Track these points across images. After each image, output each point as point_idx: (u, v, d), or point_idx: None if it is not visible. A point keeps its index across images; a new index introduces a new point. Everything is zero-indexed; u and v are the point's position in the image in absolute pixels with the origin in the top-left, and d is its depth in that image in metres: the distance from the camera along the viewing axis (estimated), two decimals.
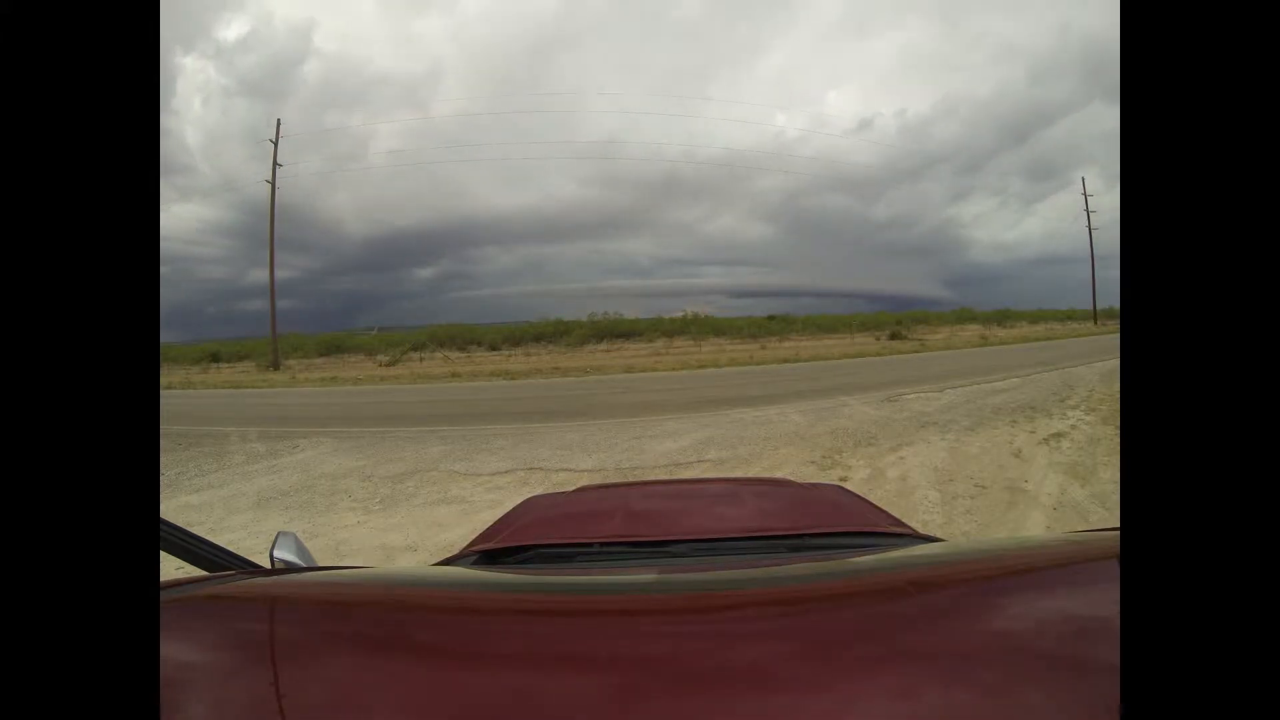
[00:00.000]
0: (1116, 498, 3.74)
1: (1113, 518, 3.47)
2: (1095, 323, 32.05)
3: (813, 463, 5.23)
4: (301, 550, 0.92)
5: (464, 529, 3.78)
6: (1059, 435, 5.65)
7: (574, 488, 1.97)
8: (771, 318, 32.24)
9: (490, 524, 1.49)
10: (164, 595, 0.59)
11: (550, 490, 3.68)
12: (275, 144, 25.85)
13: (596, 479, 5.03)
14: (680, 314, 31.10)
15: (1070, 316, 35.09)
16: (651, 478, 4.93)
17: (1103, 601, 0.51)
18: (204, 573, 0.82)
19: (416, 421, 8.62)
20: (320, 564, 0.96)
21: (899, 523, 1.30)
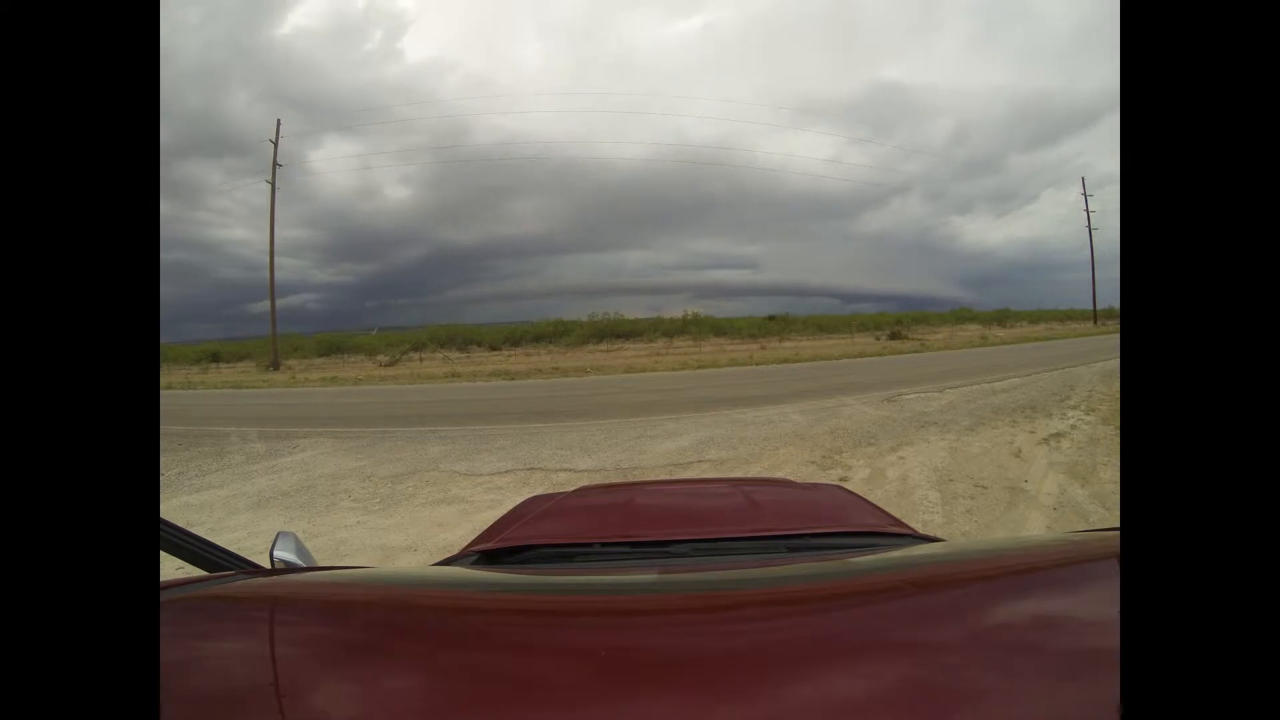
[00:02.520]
0: (1116, 498, 3.74)
1: (1113, 518, 3.47)
2: (1095, 323, 32.07)
3: (813, 463, 5.23)
4: (301, 550, 0.92)
5: (464, 529, 3.78)
6: (1059, 435, 5.65)
7: (574, 488, 1.97)
8: (771, 318, 32.26)
9: (490, 524, 1.49)
10: (164, 595, 0.59)
11: (550, 490, 3.68)
12: (275, 144, 25.89)
13: (597, 479, 5.03)
14: (680, 314, 31.14)
15: (1070, 316, 35.16)
16: (651, 478, 4.93)
17: (1103, 601, 0.51)
18: (204, 573, 0.82)
19: (416, 421, 8.62)
20: (320, 564, 0.96)
21: (899, 523, 1.30)
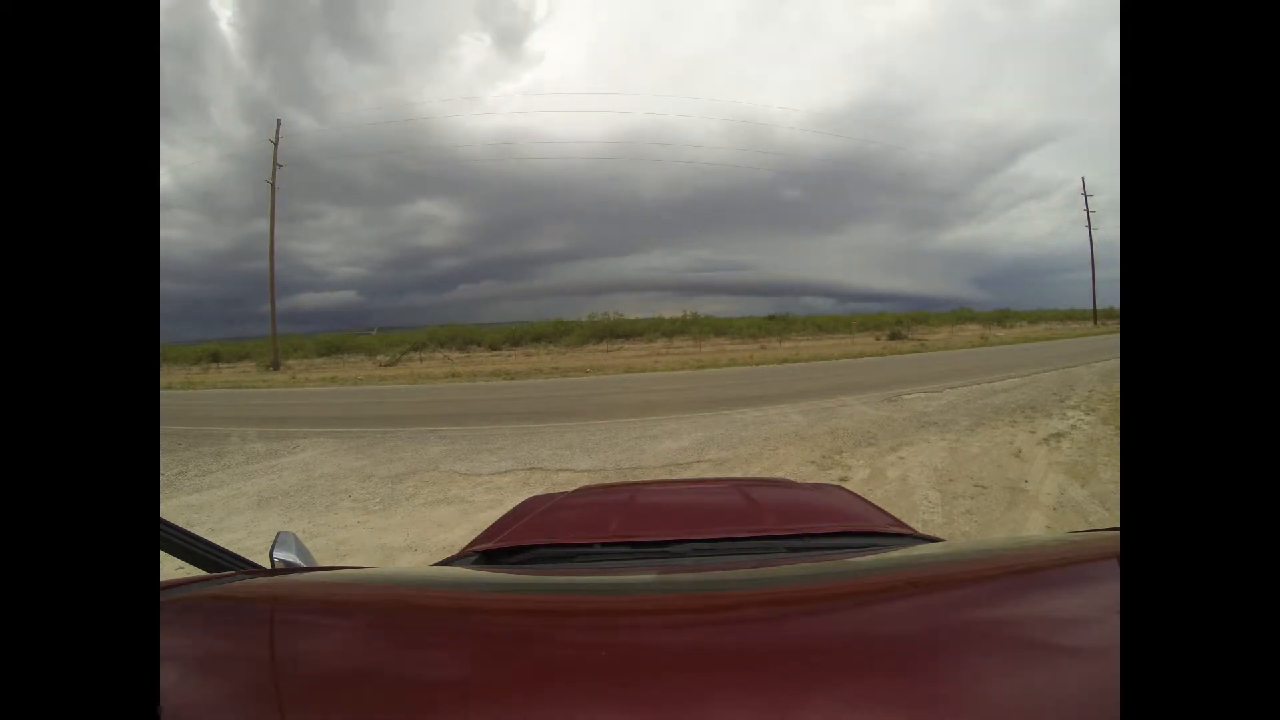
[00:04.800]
0: (1116, 498, 3.74)
1: (1113, 518, 3.46)
2: (1095, 323, 32.08)
3: (813, 463, 5.23)
4: (301, 550, 0.92)
5: (464, 529, 3.78)
6: (1059, 435, 5.65)
7: (574, 488, 1.97)
8: (771, 318, 32.31)
9: (490, 524, 1.49)
10: (164, 595, 0.59)
11: (550, 490, 3.68)
12: (275, 144, 25.88)
13: (597, 479, 5.03)
14: (680, 314, 31.15)
15: (1070, 316, 35.19)
16: (651, 478, 4.93)
17: (1103, 601, 0.51)
18: (204, 573, 0.82)
19: (417, 421, 8.62)
20: (320, 564, 0.96)
21: (899, 523, 1.30)
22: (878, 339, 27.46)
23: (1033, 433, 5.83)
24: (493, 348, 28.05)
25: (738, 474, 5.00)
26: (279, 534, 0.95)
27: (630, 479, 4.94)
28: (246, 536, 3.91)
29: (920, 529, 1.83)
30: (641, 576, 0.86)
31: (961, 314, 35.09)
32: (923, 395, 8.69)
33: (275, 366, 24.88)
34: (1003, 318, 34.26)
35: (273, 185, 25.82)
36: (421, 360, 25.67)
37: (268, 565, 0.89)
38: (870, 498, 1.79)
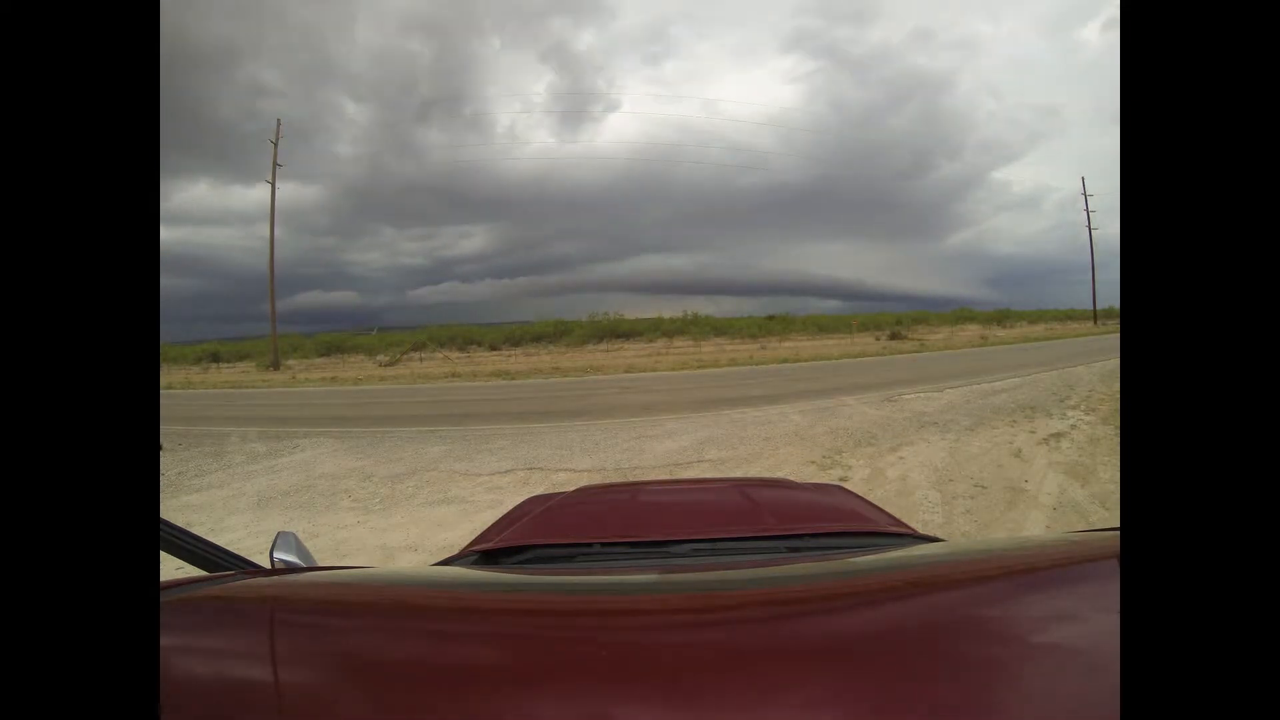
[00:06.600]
0: (1116, 498, 3.74)
1: (1113, 518, 3.47)
2: (1095, 323, 32.07)
3: (813, 462, 5.23)
4: (301, 550, 0.92)
5: (465, 529, 3.78)
6: (1059, 435, 5.65)
7: (574, 488, 1.97)
8: (771, 318, 32.29)
9: (490, 524, 1.49)
10: (164, 595, 0.59)
11: (550, 490, 3.68)
12: (275, 144, 25.88)
13: (597, 479, 5.03)
14: (680, 314, 31.15)
15: (1070, 316, 35.18)
16: (651, 478, 4.93)
17: (1103, 601, 0.51)
18: (204, 573, 0.82)
19: (416, 421, 8.62)
20: (320, 564, 0.96)
21: (899, 523, 1.30)
22: (878, 339, 27.43)
23: (1033, 433, 5.83)
24: (493, 348, 28.02)
25: (738, 474, 5.00)
26: (279, 534, 0.95)
27: (630, 479, 4.94)
28: (246, 536, 3.91)
29: (920, 529, 1.83)
30: (641, 576, 0.86)
31: (961, 314, 35.06)
32: (922, 395, 8.69)
33: (275, 366, 24.86)
34: (1003, 318, 34.23)
35: (273, 185, 25.81)
36: (421, 360, 25.64)
37: (268, 565, 0.89)
38: (870, 498, 1.79)
